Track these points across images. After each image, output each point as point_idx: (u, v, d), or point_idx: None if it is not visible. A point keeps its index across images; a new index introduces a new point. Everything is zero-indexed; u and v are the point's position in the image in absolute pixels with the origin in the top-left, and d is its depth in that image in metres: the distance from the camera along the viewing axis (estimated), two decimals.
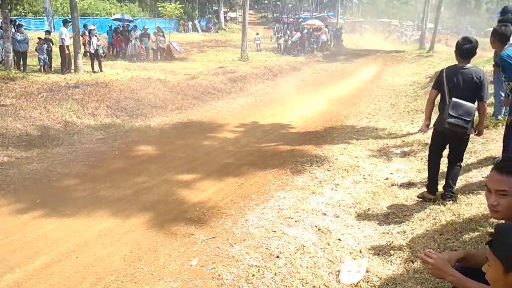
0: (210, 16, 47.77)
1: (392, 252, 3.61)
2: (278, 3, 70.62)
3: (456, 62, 4.31)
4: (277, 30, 41.21)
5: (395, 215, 4.43)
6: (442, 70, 4.38)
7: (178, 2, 36.72)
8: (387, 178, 5.64)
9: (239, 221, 4.40)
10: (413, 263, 3.34)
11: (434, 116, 4.55)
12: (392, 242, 3.81)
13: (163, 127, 8.91)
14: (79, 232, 4.19)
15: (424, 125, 4.70)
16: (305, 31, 29.26)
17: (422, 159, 6.17)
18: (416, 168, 5.94)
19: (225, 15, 48.92)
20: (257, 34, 29.88)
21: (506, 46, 4.56)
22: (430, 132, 4.78)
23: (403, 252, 3.56)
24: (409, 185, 5.33)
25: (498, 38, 4.59)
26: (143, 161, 6.57)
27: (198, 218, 4.53)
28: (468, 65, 4.24)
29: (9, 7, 18.10)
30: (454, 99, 4.16)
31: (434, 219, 4.08)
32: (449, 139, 4.45)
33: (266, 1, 73.48)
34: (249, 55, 21.21)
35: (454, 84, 4.20)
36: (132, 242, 4.01)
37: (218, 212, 4.68)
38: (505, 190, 1.87)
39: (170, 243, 3.99)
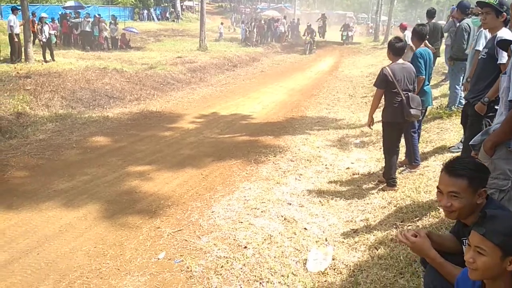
0: (166, 4, 46.74)
1: (356, 239, 3.73)
2: None
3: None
4: (235, 20, 40.93)
5: (358, 203, 4.57)
6: (384, 69, 4.61)
7: None
8: (348, 168, 5.79)
9: (205, 213, 4.39)
10: (377, 249, 3.46)
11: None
12: (356, 229, 3.93)
13: (122, 118, 8.67)
14: (39, 228, 4.03)
15: (370, 121, 4.98)
16: (263, 21, 29.26)
17: (380, 148, 6.35)
18: (375, 158, 6.13)
19: (182, 4, 48.00)
20: (222, 24, 29.67)
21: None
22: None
23: (367, 239, 3.68)
24: (370, 174, 5.51)
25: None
26: (102, 154, 6.37)
27: (163, 211, 4.47)
28: (401, 61, 4.66)
29: None
30: (410, 93, 4.49)
31: (395, 206, 4.25)
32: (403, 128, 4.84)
33: None
34: (207, 45, 20.94)
35: (401, 80, 4.56)
36: (95, 237, 3.90)
37: (183, 204, 4.64)
38: (456, 191, 1.96)
39: (135, 237, 3.92)
